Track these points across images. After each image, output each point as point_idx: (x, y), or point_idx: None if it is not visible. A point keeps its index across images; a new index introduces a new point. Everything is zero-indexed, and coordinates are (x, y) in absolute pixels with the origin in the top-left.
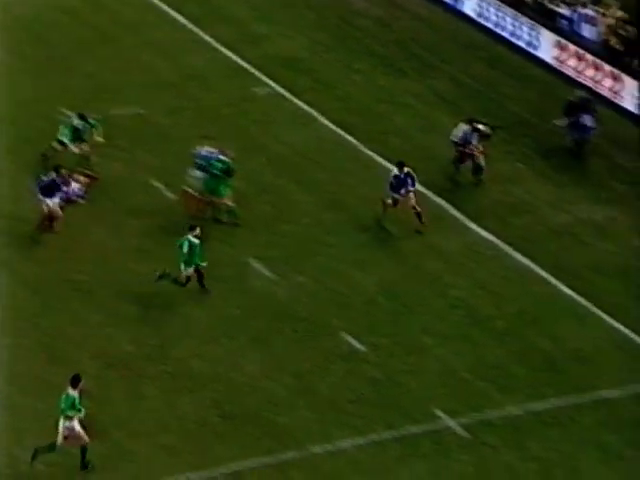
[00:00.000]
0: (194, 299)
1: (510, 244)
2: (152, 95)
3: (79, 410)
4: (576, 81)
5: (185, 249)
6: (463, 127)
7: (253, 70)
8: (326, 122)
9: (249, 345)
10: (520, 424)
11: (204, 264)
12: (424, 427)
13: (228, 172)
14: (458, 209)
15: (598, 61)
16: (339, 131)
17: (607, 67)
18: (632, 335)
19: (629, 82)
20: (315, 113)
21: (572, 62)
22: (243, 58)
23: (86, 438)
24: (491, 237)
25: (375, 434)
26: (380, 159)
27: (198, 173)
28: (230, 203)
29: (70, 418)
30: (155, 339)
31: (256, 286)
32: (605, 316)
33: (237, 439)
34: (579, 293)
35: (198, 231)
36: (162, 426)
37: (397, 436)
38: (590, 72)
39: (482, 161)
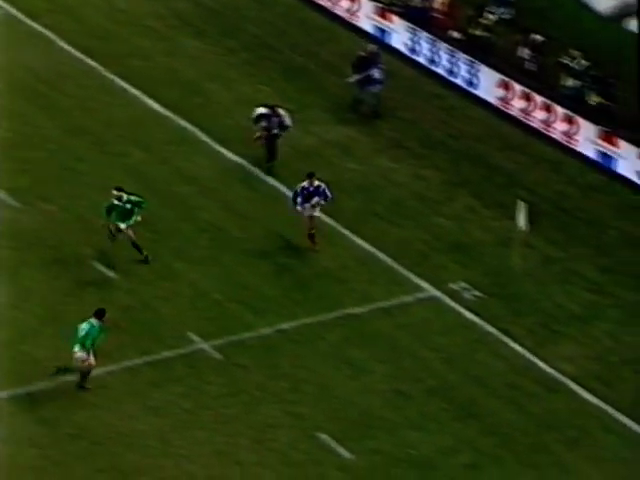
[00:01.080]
0: None
1: (257, 166)
2: None
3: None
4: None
5: None
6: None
7: None
8: (66, 46)
9: None
10: (271, 344)
11: None
12: (177, 351)
13: None
14: (205, 132)
15: None
16: (80, 55)
17: None
18: (374, 251)
19: None
20: (53, 36)
21: None
22: None
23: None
24: (238, 160)
25: (128, 360)
26: (123, 83)
27: None
28: None
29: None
30: None
31: (1, 216)
32: (349, 233)
33: None
34: (325, 213)
35: None
36: None
37: (150, 361)
38: None
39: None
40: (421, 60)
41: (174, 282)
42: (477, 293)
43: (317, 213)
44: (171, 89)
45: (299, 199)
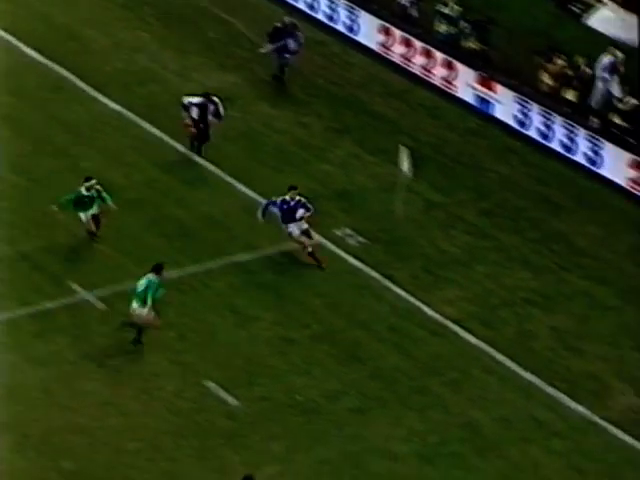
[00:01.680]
0: None
1: (136, 113)
2: None
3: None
4: None
5: None
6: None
7: None
8: None
9: None
10: None
11: None
12: (60, 302)
13: None
14: (82, 79)
15: None
16: None
17: None
18: (258, 199)
19: None
20: None
21: None
22: None
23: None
24: (117, 107)
25: (9, 312)
26: None
27: None
28: None
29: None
30: None
31: None
32: (232, 181)
33: None
34: (210, 161)
35: None
36: None
37: (32, 312)
38: None
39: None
40: (301, 6)
41: (52, 231)
42: (361, 239)
43: (305, 225)
44: (46, 35)
45: (279, 214)
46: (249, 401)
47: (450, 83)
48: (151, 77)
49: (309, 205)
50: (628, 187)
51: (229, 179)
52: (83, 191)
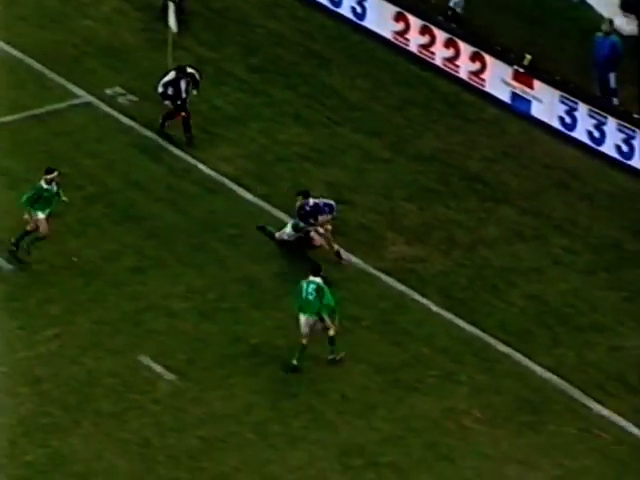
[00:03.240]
0: None
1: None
2: None
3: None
4: None
5: None
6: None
7: None
8: None
9: None
10: None
11: None
12: None
13: None
14: None
15: None
16: None
17: None
18: (21, 56)
19: None
20: None
21: None
22: None
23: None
24: None
25: None
26: None
27: None
28: None
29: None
30: None
31: None
32: None
33: None
34: None
35: None
36: None
37: None
38: None
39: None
40: None
41: None
42: (132, 97)
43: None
44: None
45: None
46: (24, 264)
47: None
48: None
49: (331, 203)
50: (393, 40)
51: None
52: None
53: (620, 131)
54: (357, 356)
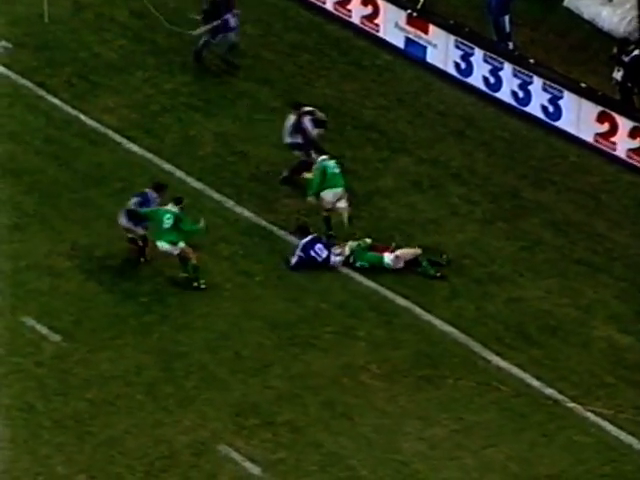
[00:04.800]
0: None
1: None
2: None
3: None
4: None
5: None
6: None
7: None
8: None
9: None
10: None
11: None
12: None
13: None
14: None
15: None
16: None
17: None
18: None
19: None
20: None
21: None
22: None
23: None
24: None
25: None
26: None
27: None
28: None
29: None
30: None
31: None
32: None
33: None
34: None
35: None
36: None
37: None
38: None
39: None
40: None
41: None
42: (7, 44)
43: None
44: None
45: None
46: None
47: None
48: None
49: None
50: None
51: None
52: None
53: (516, 77)
54: (251, 312)
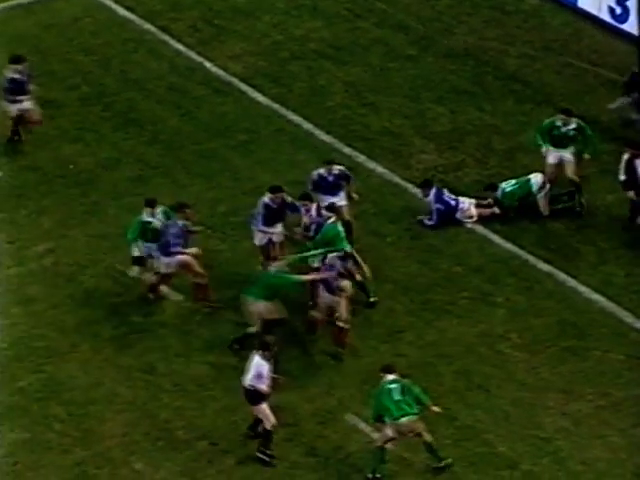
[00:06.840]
0: None
1: None
2: None
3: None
4: None
5: None
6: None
7: None
8: None
9: None
10: None
11: None
12: None
13: None
14: None
15: None
16: None
17: None
18: None
19: None
20: None
21: None
22: None
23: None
24: None
25: None
26: None
27: None
28: None
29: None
30: None
31: None
32: None
33: None
34: None
35: None
36: None
37: None
38: None
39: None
40: None
41: None
42: None
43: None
44: None
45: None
46: (14, 172)
47: None
48: None
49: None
50: None
51: None
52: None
53: None
54: (382, 275)
